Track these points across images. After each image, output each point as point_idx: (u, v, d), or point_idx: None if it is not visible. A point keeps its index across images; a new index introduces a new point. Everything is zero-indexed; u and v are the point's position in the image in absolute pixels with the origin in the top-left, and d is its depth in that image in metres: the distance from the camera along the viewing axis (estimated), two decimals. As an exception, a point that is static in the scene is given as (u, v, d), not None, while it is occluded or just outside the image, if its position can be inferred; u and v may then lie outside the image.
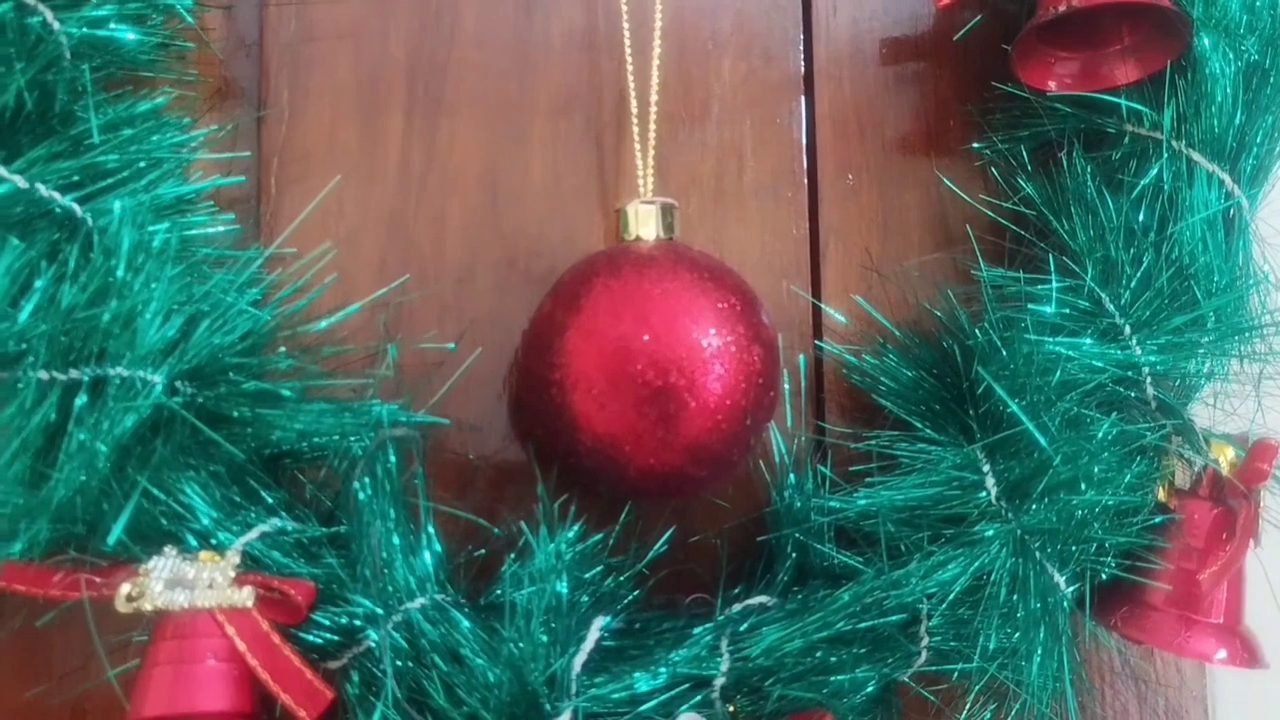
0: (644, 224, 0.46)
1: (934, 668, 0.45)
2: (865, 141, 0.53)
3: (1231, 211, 0.47)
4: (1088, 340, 0.45)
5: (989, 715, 0.46)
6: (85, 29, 0.44)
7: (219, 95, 0.49)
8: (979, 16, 0.52)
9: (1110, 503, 0.44)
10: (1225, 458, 0.44)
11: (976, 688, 0.44)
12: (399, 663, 0.41)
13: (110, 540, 0.38)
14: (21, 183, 0.42)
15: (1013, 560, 0.44)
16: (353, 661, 0.42)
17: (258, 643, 0.39)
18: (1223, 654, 0.44)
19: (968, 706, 0.46)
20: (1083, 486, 0.44)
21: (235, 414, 0.42)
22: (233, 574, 0.40)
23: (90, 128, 0.43)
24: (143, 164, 0.44)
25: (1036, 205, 0.50)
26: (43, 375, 0.40)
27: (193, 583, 0.39)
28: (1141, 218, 0.48)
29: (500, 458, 0.47)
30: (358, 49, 0.50)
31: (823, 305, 0.50)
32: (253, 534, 0.41)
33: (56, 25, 0.43)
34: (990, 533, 0.43)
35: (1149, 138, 0.48)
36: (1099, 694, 0.51)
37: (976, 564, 0.43)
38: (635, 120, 0.48)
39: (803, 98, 0.53)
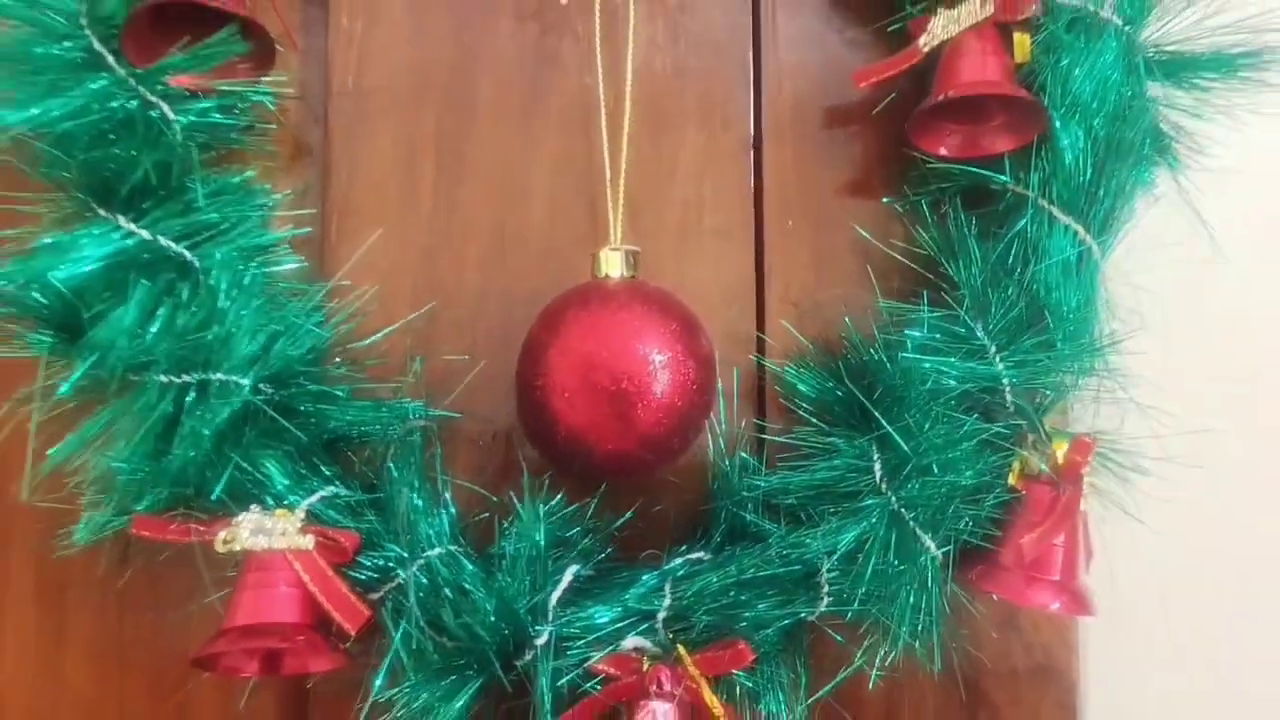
0: (612, 265, 0.59)
1: (834, 608, 0.58)
2: (803, 193, 0.66)
3: (1082, 255, 0.60)
4: (954, 359, 0.58)
5: (881, 651, 0.59)
6: (193, 117, 0.58)
7: (292, 160, 0.64)
8: (893, 94, 0.65)
9: (968, 484, 0.57)
10: (1060, 451, 0.57)
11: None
12: (420, 595, 0.55)
13: (213, 497, 0.53)
14: (147, 235, 0.57)
15: (888, 527, 0.56)
16: (387, 594, 0.56)
17: (317, 575, 0.53)
18: (1056, 605, 0.56)
19: (863, 644, 0.59)
20: (945, 471, 0.56)
21: (302, 408, 0.56)
22: (299, 525, 0.54)
23: (197, 195, 0.57)
24: (236, 220, 0.59)
25: (931, 249, 0.62)
26: (163, 379, 0.55)
27: (270, 531, 0.54)
28: (1010, 260, 0.60)
29: (499, 444, 0.61)
30: (399, 124, 0.64)
31: (766, 336, 0.64)
32: (314, 497, 0.56)
33: (172, 116, 0.58)
34: (871, 505, 0.56)
35: (1021, 194, 0.61)
36: (988, 637, 0.64)
37: (859, 529, 0.56)
38: (607, 185, 0.61)
39: (752, 157, 0.66)
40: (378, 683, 0.54)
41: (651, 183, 0.65)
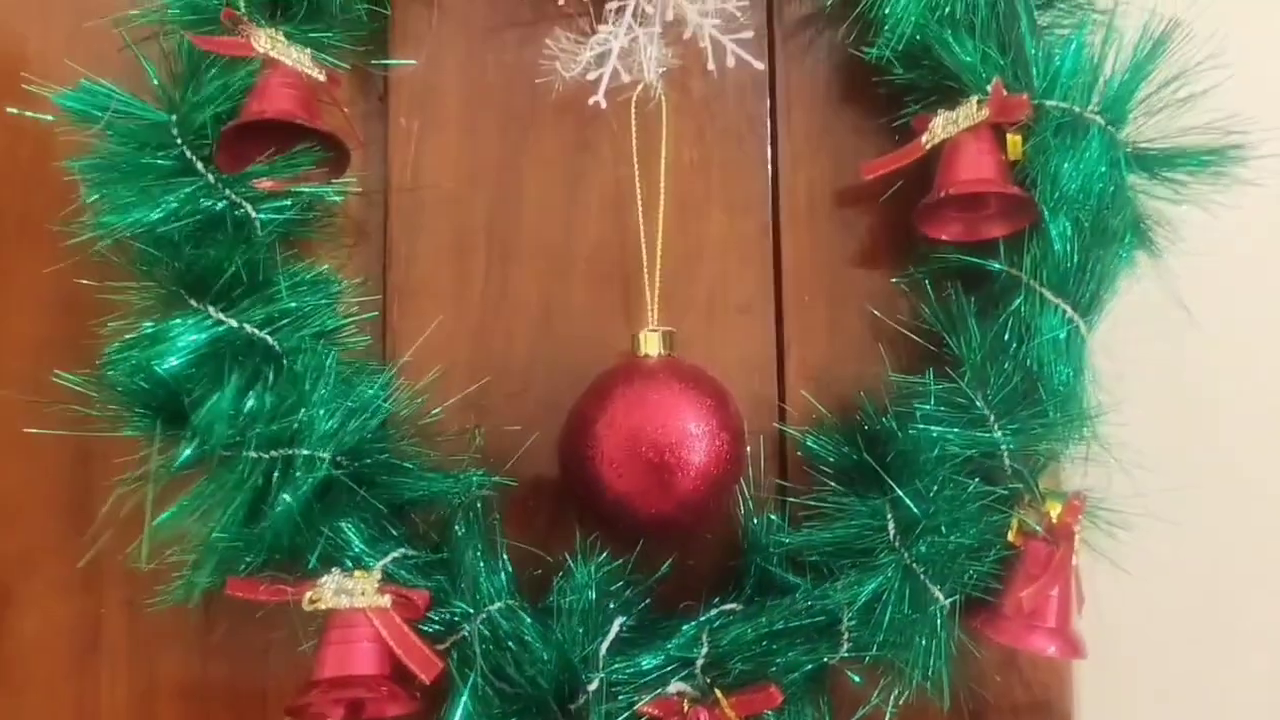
0: (650, 345, 0.66)
1: (854, 653, 0.64)
2: (818, 272, 0.72)
3: (1071, 333, 0.66)
4: (958, 428, 0.64)
5: (895, 691, 0.65)
6: (273, 214, 0.65)
7: (355, 248, 0.71)
8: (899, 183, 0.72)
9: (972, 541, 0.64)
10: (1054, 511, 0.63)
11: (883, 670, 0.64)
12: (484, 646, 0.62)
13: (310, 567, 0.59)
14: (235, 324, 0.63)
15: (902, 581, 0.63)
16: (453, 645, 0.62)
17: (393, 630, 0.59)
18: (1053, 649, 0.63)
19: (879, 684, 0.65)
20: (951, 530, 0.63)
21: (376, 479, 0.63)
22: (376, 585, 0.60)
23: (280, 286, 0.64)
24: (311, 307, 0.65)
25: (935, 325, 0.69)
26: (253, 455, 0.61)
27: (351, 591, 0.60)
28: (1007, 337, 0.67)
29: (551, 507, 0.68)
30: (452, 214, 0.71)
31: (787, 405, 0.71)
32: (388, 559, 0.62)
33: (255, 215, 0.65)
34: (886, 560, 0.63)
35: (1015, 276, 0.68)
36: (991, 677, 0.70)
37: (875, 582, 0.63)
38: (646, 268, 0.68)
39: (771, 240, 0.73)
40: (456, 722, 0.60)
41: (681, 264, 0.71)
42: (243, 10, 0.63)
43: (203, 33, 0.64)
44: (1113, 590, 0.67)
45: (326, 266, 0.67)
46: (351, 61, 0.70)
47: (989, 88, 0.66)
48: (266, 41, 0.62)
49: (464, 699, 0.61)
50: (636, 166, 0.70)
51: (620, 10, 0.69)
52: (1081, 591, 0.65)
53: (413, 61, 0.71)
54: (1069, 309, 0.66)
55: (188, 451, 0.60)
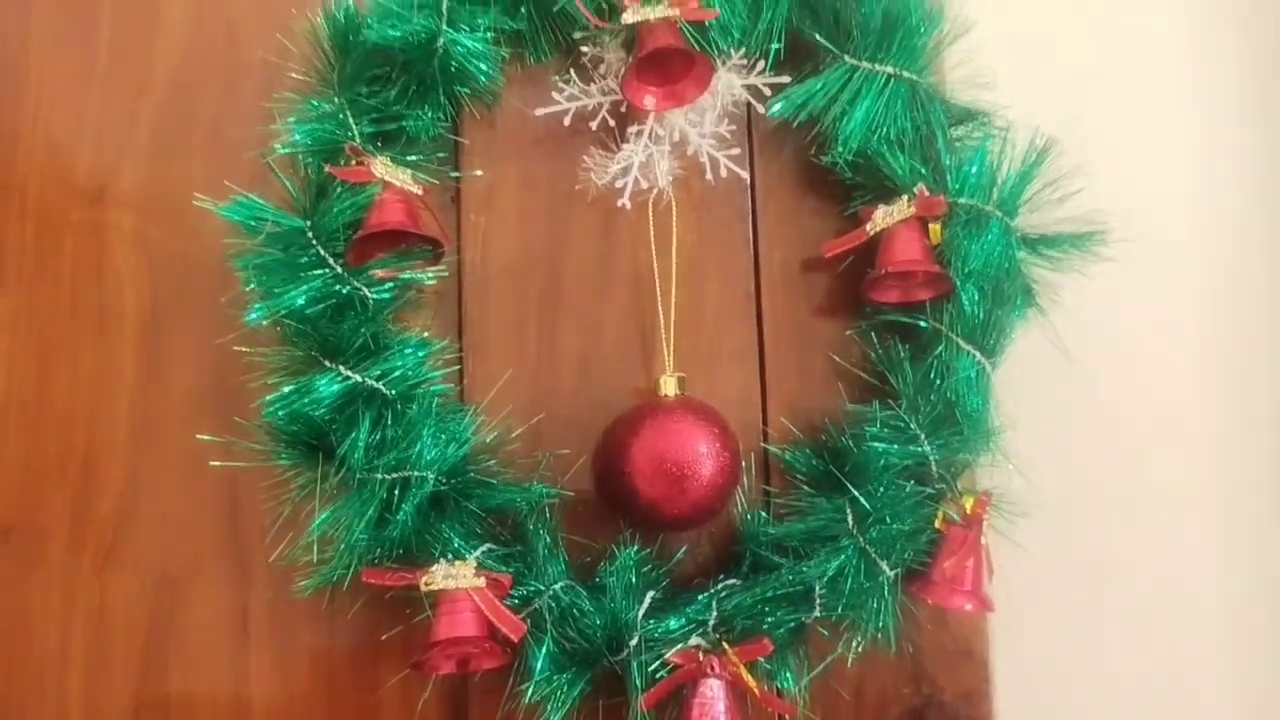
0: (669, 387, 0.88)
1: (823, 614, 0.86)
2: (790, 327, 0.94)
3: (979, 372, 0.89)
4: (898, 444, 0.87)
5: (855, 642, 0.87)
6: (385, 295, 0.86)
7: (436, 316, 0.92)
8: (851, 259, 0.94)
9: (909, 528, 0.86)
10: (968, 504, 0.86)
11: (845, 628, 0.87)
12: (552, 614, 0.83)
13: (433, 555, 0.81)
14: (359, 379, 0.84)
15: (858, 559, 0.86)
16: (530, 614, 0.84)
17: (488, 604, 0.81)
18: (969, 606, 0.86)
19: (843, 638, 0.88)
20: (894, 520, 0.86)
21: (468, 492, 0.84)
22: (474, 571, 0.82)
23: (393, 349, 0.85)
24: (414, 364, 0.86)
25: (881, 367, 0.92)
26: (380, 476, 0.82)
27: (456, 576, 0.81)
28: (933, 375, 0.89)
29: (596, 510, 0.90)
30: (512, 287, 0.92)
31: (769, 429, 0.93)
32: (479, 551, 0.83)
33: (371, 296, 0.86)
34: (846, 544, 0.86)
35: (938, 329, 0.90)
36: (925, 629, 0.92)
37: (838, 560, 0.85)
38: (662, 326, 0.90)
39: (754, 303, 0.95)
40: (538, 670, 0.81)
41: (686, 323, 0.92)
42: (360, 144, 0.85)
43: (325, 158, 0.85)
44: (1014, 562, 0.90)
45: (421, 330, 0.88)
46: (433, 173, 0.91)
47: (916, 190, 0.89)
48: (381, 168, 0.84)
49: (542, 654, 0.82)
50: (653, 249, 0.92)
51: (639, 133, 0.92)
52: (991, 564, 0.88)
53: (479, 173, 0.93)
54: (978, 354, 0.89)
55: (334, 477, 0.81)
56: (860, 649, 0.87)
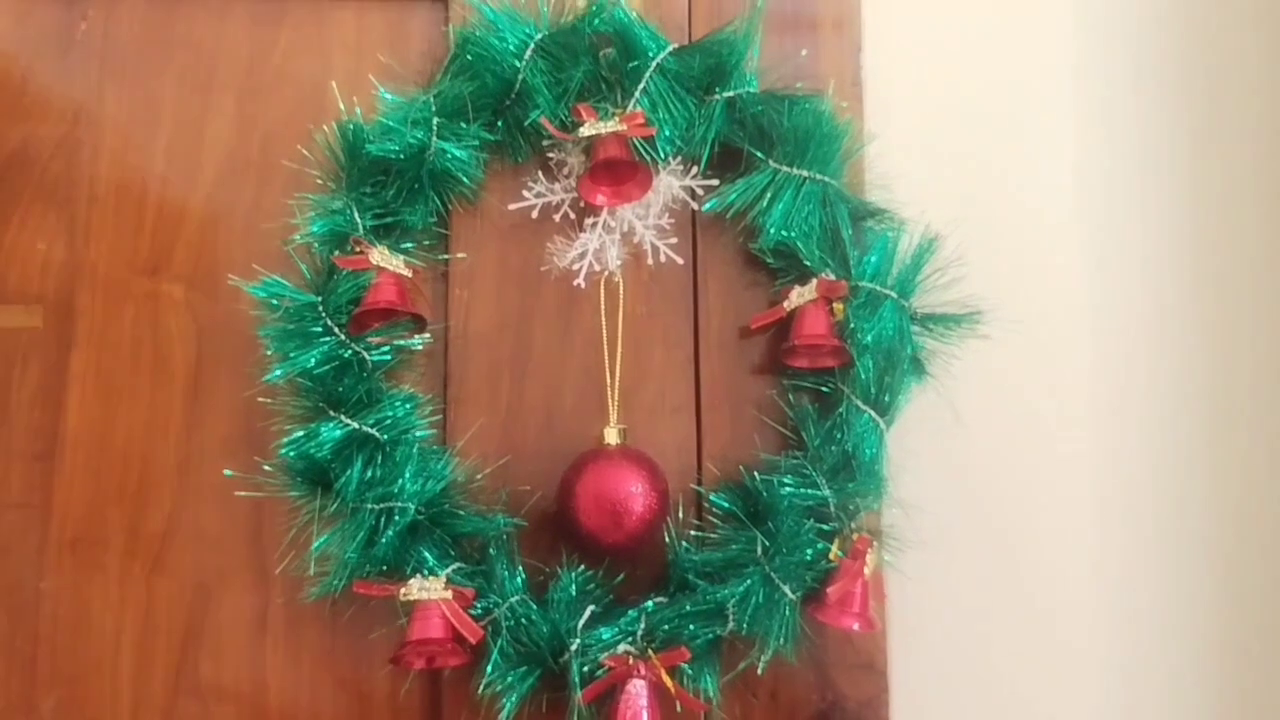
0: (612, 437, 1.05)
1: (736, 629, 1.03)
2: (724, 386, 1.11)
3: (876, 430, 1.06)
4: (803, 489, 1.04)
5: (765, 653, 1.04)
6: (381, 358, 1.06)
7: (424, 375, 1.11)
8: (772, 330, 1.11)
9: (809, 559, 1.03)
10: (855, 540, 1.03)
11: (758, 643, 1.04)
12: (507, 623, 1.01)
13: (408, 572, 1.00)
14: (356, 426, 1.04)
15: (765, 584, 1.03)
16: (489, 622, 1.02)
17: (454, 613, 0.99)
18: (856, 625, 1.02)
19: (754, 648, 1.04)
20: (795, 552, 1.03)
21: (442, 521, 1.03)
22: (443, 585, 1.00)
23: (385, 402, 1.05)
24: (403, 415, 1.06)
25: (794, 421, 1.09)
26: (370, 506, 1.02)
27: (428, 589, 0.99)
28: (835, 431, 1.06)
29: (549, 538, 1.08)
30: (489, 351, 1.11)
31: (703, 474, 1.11)
32: (449, 569, 1.02)
33: (369, 359, 1.05)
34: (754, 571, 1.03)
35: (841, 391, 1.07)
36: (827, 643, 1.09)
37: (748, 583, 1.02)
38: (609, 387, 1.09)
39: (694, 365, 1.13)
40: (489, 670, 1.00)
41: (635, 381, 1.11)
42: (363, 235, 1.05)
43: (334, 246, 1.05)
44: (912, 588, 1.06)
45: (409, 387, 1.08)
46: (424, 257, 1.11)
47: (822, 276, 1.06)
48: (377, 256, 1.03)
49: (495, 654, 1.00)
50: (604, 319, 1.10)
51: (594, 224, 1.11)
52: (882, 589, 1.05)
53: (463, 255, 1.12)
54: (873, 413, 1.06)
55: (333, 506, 1.01)
56: (768, 660, 1.03)
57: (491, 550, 1.04)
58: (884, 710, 1.08)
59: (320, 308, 1.04)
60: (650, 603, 1.04)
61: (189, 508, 1.10)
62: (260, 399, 1.06)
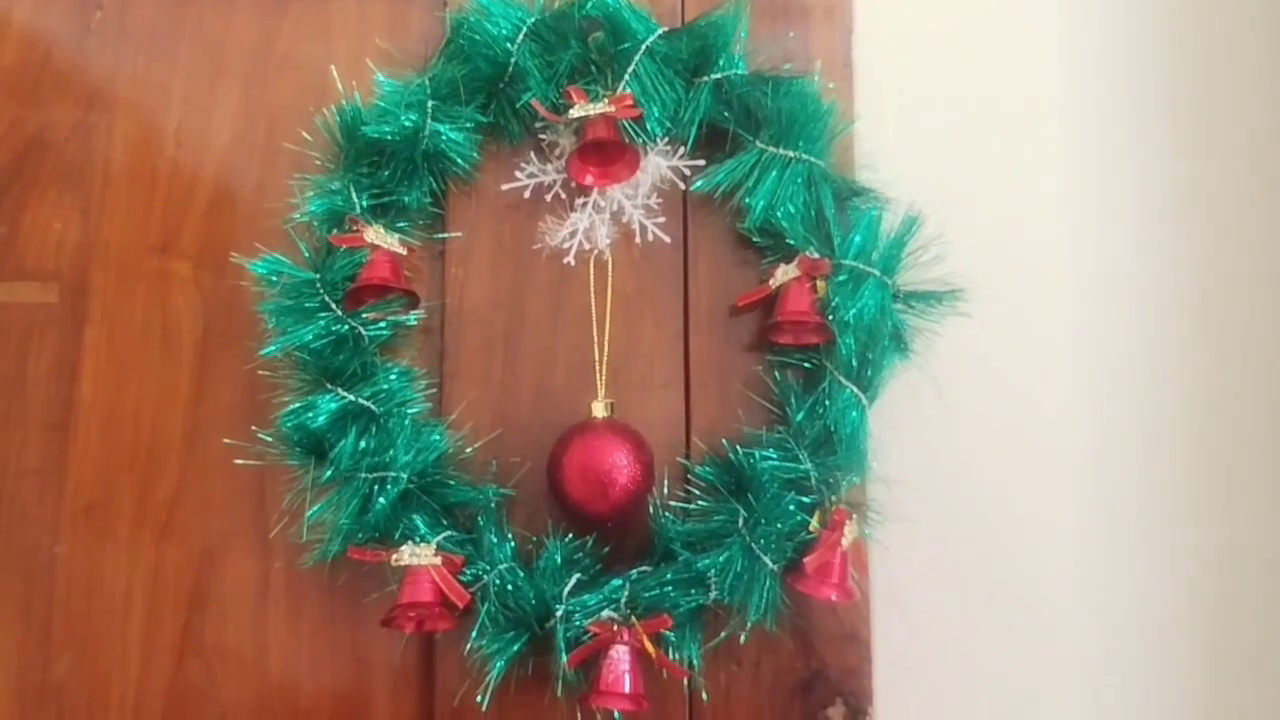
0: (598, 410, 1.09)
1: (718, 598, 1.06)
2: (712, 362, 1.14)
3: (858, 406, 1.08)
4: (785, 462, 1.06)
5: (747, 622, 1.07)
6: (376, 332, 1.10)
7: (421, 349, 1.15)
8: (759, 308, 1.14)
9: (790, 529, 1.05)
10: (833, 512, 1.05)
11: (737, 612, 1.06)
12: (495, 589, 1.05)
13: (396, 538, 1.04)
14: (353, 398, 1.08)
15: (746, 554, 1.05)
16: (478, 589, 1.05)
17: (443, 578, 1.03)
18: (833, 595, 1.04)
19: (735, 617, 1.07)
20: (776, 523, 1.05)
21: (434, 490, 1.07)
22: (434, 552, 1.04)
23: (380, 376, 1.09)
24: (398, 388, 1.10)
25: (779, 397, 1.11)
26: (364, 475, 1.05)
27: (419, 555, 1.03)
28: (817, 406, 1.08)
29: (538, 507, 1.12)
30: (483, 327, 1.15)
31: (690, 448, 1.13)
32: (440, 537, 1.05)
33: (365, 334, 1.09)
34: (736, 541, 1.05)
35: (823, 367, 1.10)
36: (811, 614, 1.11)
37: (729, 554, 1.05)
38: (598, 362, 1.12)
39: (682, 341, 1.16)
40: (474, 634, 1.03)
41: (624, 357, 1.14)
42: (359, 214, 1.08)
43: (332, 225, 1.09)
44: (895, 560, 1.09)
45: (405, 362, 1.12)
46: (421, 236, 1.14)
47: (805, 254, 1.09)
48: (373, 235, 1.07)
49: (483, 618, 1.04)
50: (593, 296, 1.13)
51: (585, 204, 1.13)
52: (863, 560, 1.07)
53: (459, 234, 1.15)
54: (855, 389, 1.08)
55: (328, 474, 1.05)
56: (750, 628, 1.06)
57: (481, 519, 1.07)
58: (867, 680, 1.11)
59: (318, 284, 1.08)
60: (634, 572, 1.07)
61: (195, 476, 1.14)
62: (261, 372, 1.10)
